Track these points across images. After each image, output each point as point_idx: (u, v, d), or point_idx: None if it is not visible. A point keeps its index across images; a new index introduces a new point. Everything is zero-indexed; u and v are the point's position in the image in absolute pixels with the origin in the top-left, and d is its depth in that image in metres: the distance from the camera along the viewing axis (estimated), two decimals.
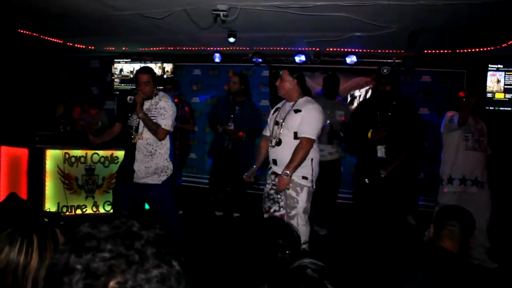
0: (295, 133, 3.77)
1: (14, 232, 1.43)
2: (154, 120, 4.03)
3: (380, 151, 4.06)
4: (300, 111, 3.79)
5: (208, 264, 4.21)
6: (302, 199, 3.75)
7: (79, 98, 7.15)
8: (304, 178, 3.76)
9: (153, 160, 4.08)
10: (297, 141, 3.74)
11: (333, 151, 5.54)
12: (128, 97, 4.10)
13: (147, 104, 4.11)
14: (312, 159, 3.79)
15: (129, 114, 4.13)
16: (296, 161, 3.66)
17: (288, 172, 3.65)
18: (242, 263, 1.78)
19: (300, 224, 3.71)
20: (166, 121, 4.06)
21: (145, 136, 4.07)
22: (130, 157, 4.12)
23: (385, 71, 4.07)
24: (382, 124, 4.11)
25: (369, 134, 4.16)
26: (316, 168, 3.83)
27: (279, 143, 3.85)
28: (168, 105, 4.13)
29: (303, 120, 3.74)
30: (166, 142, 4.17)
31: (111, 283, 0.76)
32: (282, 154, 3.82)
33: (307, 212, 3.82)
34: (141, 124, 4.05)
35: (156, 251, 0.81)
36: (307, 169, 3.77)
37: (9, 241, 1.40)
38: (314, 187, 3.82)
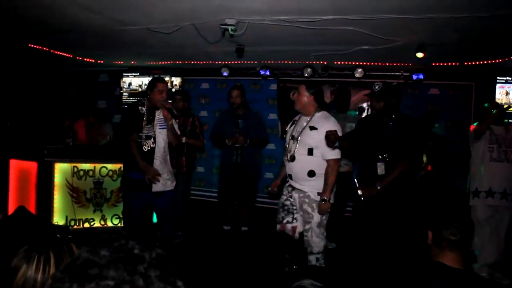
0: (309, 149, 3.81)
1: (30, 249, 1.42)
2: (164, 128, 4.35)
3: (380, 168, 3.99)
4: (316, 128, 3.80)
5: (214, 278, 4.19)
6: (316, 215, 3.81)
7: (84, 111, 7.19)
8: (319, 194, 3.79)
9: (166, 166, 4.38)
10: (311, 157, 3.80)
11: (343, 164, 5.53)
12: (140, 107, 4.30)
13: (158, 113, 4.36)
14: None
15: (144, 124, 4.28)
16: (330, 184, 3.75)
17: (325, 197, 3.73)
18: (248, 278, 1.77)
19: (314, 236, 3.82)
20: (177, 126, 4.48)
21: (161, 144, 4.33)
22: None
23: (376, 87, 4.04)
24: (382, 142, 4.02)
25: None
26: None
27: (293, 159, 3.89)
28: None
29: (323, 141, 3.69)
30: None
31: None
32: (296, 169, 3.88)
33: (323, 226, 3.87)
34: (157, 132, 4.30)
35: (160, 273, 0.79)
36: (321, 184, 3.80)
37: (27, 259, 1.40)
38: (331, 201, 3.83)
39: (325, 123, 3.79)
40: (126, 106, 8.43)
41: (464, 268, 2.06)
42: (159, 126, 4.34)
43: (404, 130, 3.95)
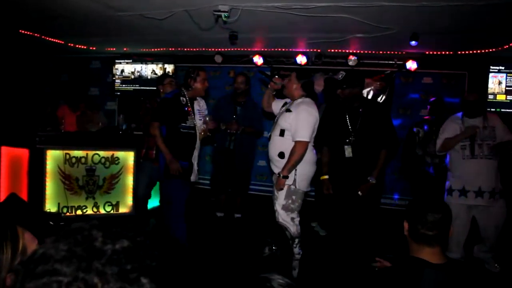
0: (281, 130, 3.91)
1: None
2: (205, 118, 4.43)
3: (347, 151, 4.18)
4: (290, 111, 3.90)
5: (207, 265, 4.21)
6: (280, 196, 3.88)
7: (75, 98, 7.16)
8: (285, 177, 3.83)
9: (196, 159, 4.46)
10: (282, 139, 3.89)
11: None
12: (181, 98, 4.32)
13: (196, 105, 4.44)
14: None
15: (188, 115, 4.33)
16: (290, 163, 3.78)
17: (282, 173, 3.79)
18: (235, 263, 1.76)
19: (280, 219, 3.86)
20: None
21: (200, 136, 4.43)
22: (189, 157, 4.38)
23: (340, 76, 4.21)
24: (352, 126, 4.21)
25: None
26: (303, 168, 3.88)
27: (269, 138, 4.06)
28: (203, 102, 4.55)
29: (294, 123, 3.83)
30: None
31: None
32: (270, 149, 4.03)
33: (290, 210, 3.90)
34: (198, 124, 4.37)
35: (119, 270, 0.73)
36: None
37: None
38: (297, 186, 3.86)
39: (300, 106, 3.89)
40: (118, 93, 8.39)
41: (446, 261, 1.96)
42: (198, 117, 4.41)
43: (376, 116, 4.15)
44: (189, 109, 4.35)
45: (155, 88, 7.99)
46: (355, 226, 4.22)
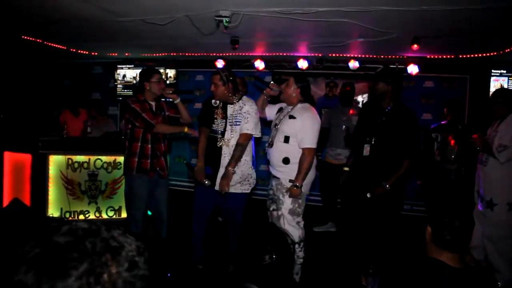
0: (286, 137, 3.88)
1: None
2: (239, 125, 3.99)
3: (366, 149, 4.06)
4: (294, 118, 3.88)
5: (206, 271, 4.23)
6: (287, 201, 3.87)
7: (76, 104, 7.16)
8: (291, 181, 3.85)
9: (239, 168, 3.98)
10: (287, 145, 3.87)
11: (342, 156, 5.68)
12: (213, 101, 4.12)
13: (230, 110, 4.06)
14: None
15: (215, 118, 4.11)
16: (302, 172, 3.77)
17: (297, 183, 3.77)
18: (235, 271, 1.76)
19: (286, 224, 3.86)
20: (249, 125, 3.97)
21: (231, 142, 4.01)
22: (214, 163, 4.06)
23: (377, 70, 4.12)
24: (375, 126, 4.05)
25: None
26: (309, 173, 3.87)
27: (271, 145, 4.00)
28: (252, 109, 4.04)
29: (300, 130, 3.82)
30: (250, 148, 4.12)
31: None
32: (273, 156, 3.98)
33: (296, 214, 3.90)
34: (228, 128, 4.03)
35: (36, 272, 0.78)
36: (295, 172, 3.84)
37: None
38: (303, 190, 3.85)
39: (303, 113, 3.87)
40: (120, 98, 8.41)
41: (464, 266, 1.99)
42: (232, 122, 4.04)
43: (400, 120, 3.93)
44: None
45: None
46: (362, 228, 4.16)
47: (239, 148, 3.91)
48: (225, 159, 4.00)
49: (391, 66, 6.94)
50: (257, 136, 4.07)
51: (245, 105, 4.04)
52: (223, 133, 4.04)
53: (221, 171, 3.98)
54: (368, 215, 4.08)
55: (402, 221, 5.77)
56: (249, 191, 4.17)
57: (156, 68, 8.01)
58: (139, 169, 4.35)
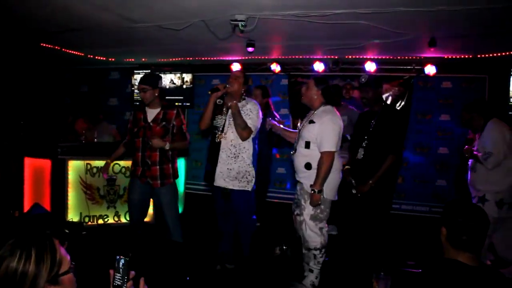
0: (307, 143, 3.88)
1: (15, 244, 1.54)
2: None
3: (360, 153, 4.33)
4: (314, 122, 3.88)
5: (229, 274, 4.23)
6: (308, 206, 3.85)
7: (93, 109, 7.19)
8: (319, 191, 3.79)
9: (236, 163, 4.08)
10: (308, 150, 3.86)
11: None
12: (218, 100, 4.12)
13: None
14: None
15: (216, 114, 4.16)
16: (321, 176, 3.73)
17: (315, 189, 3.73)
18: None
19: (308, 230, 3.87)
20: (252, 121, 4.06)
21: (229, 137, 4.09)
22: (213, 159, 4.14)
23: (362, 80, 4.35)
24: (368, 130, 4.36)
25: None
26: (330, 177, 3.81)
27: (295, 152, 4.02)
28: (255, 108, 4.14)
29: (319, 134, 3.81)
30: (250, 147, 4.15)
31: None
32: (296, 162, 3.99)
33: (318, 219, 3.87)
34: (227, 124, 4.11)
35: None
36: None
37: (10, 252, 1.52)
38: (325, 195, 3.81)
39: (323, 116, 3.85)
40: (137, 104, 8.47)
41: (479, 265, 2.00)
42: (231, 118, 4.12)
43: (387, 122, 4.22)
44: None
45: (173, 97, 8.08)
46: (356, 227, 4.35)
47: (241, 131, 4.03)
48: (222, 154, 4.09)
49: (408, 67, 6.90)
50: (253, 134, 4.13)
51: (248, 104, 4.15)
52: (222, 129, 4.11)
53: (219, 166, 4.09)
54: (359, 213, 4.29)
55: (419, 222, 5.74)
56: (249, 189, 4.17)
57: (173, 72, 8.16)
58: (133, 175, 4.46)
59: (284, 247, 4.67)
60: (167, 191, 4.41)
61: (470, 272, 1.94)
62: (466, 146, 4.52)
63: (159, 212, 4.65)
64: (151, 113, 4.35)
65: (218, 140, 4.10)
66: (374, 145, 4.25)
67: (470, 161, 4.54)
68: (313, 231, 3.85)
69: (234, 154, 4.09)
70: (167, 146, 4.26)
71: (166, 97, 8.23)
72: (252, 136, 4.13)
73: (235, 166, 4.07)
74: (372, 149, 4.25)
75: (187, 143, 4.51)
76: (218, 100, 4.11)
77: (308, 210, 3.85)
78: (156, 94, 4.35)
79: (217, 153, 4.11)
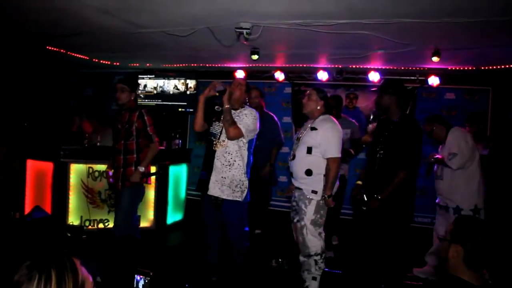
0: (308, 148, 3.90)
1: (32, 267, 1.39)
2: None
3: (377, 164, 4.01)
4: (316, 129, 3.90)
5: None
6: (309, 212, 3.88)
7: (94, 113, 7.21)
8: (314, 192, 3.86)
9: (231, 171, 3.94)
10: (309, 156, 3.89)
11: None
12: (216, 106, 4.09)
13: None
14: (324, 175, 3.89)
15: (213, 120, 4.10)
16: (330, 181, 3.82)
17: (327, 194, 3.82)
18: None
19: (309, 234, 3.90)
20: (243, 123, 3.93)
21: (226, 144, 3.96)
22: (208, 166, 4.00)
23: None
24: (383, 139, 4.01)
25: None
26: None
27: (294, 157, 4.02)
28: (252, 114, 4.01)
29: (323, 141, 3.84)
30: (245, 155, 4.04)
31: None
32: (296, 168, 3.99)
33: (318, 225, 3.91)
34: (224, 132, 3.96)
35: None
36: (317, 184, 3.87)
37: (28, 277, 1.37)
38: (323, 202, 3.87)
39: (324, 124, 3.90)
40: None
41: (482, 284, 1.94)
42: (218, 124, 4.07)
43: (401, 133, 3.86)
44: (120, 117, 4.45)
45: (176, 103, 8.10)
46: (366, 241, 4.18)
47: (228, 128, 3.88)
48: (217, 162, 3.94)
49: (411, 78, 6.90)
50: (245, 139, 3.98)
51: (245, 110, 4.07)
52: (219, 136, 4.00)
53: (213, 175, 3.94)
54: (370, 228, 4.07)
55: (421, 233, 5.70)
56: (241, 200, 4.00)
57: (177, 78, 8.19)
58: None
59: (280, 260, 4.66)
60: (126, 193, 4.45)
61: None
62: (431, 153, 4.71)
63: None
64: (123, 116, 4.49)
65: (215, 148, 3.99)
66: (388, 158, 3.92)
67: (435, 168, 4.69)
68: (314, 236, 3.89)
69: (229, 162, 3.95)
70: (141, 169, 4.42)
71: (170, 103, 8.28)
72: (244, 140, 3.98)
73: (229, 174, 3.93)
74: (388, 160, 3.91)
75: (155, 148, 4.52)
76: (216, 107, 4.07)
77: (309, 215, 3.88)
78: (132, 98, 4.48)
79: (212, 161, 3.98)
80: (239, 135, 3.91)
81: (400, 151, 3.82)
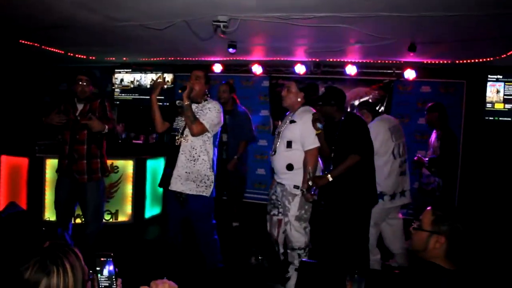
0: (288, 142, 3.88)
1: (44, 262, 1.48)
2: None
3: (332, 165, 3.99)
4: (295, 122, 3.90)
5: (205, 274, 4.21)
6: (293, 208, 3.87)
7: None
8: (296, 187, 3.84)
9: (195, 166, 3.85)
10: (290, 151, 3.87)
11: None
12: (177, 101, 3.93)
13: (193, 107, 3.88)
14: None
15: (176, 117, 4.02)
16: (307, 174, 3.73)
17: (304, 187, 3.77)
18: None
19: (293, 230, 3.88)
20: (206, 118, 3.85)
21: (189, 139, 3.86)
22: (172, 162, 3.92)
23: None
24: (334, 142, 3.97)
25: None
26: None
27: (274, 152, 4.01)
28: (215, 108, 3.94)
29: (301, 133, 3.83)
30: (210, 150, 3.95)
31: None
32: (277, 163, 3.98)
33: (303, 220, 3.89)
34: (187, 126, 3.88)
35: None
36: (299, 178, 3.83)
37: (45, 272, 1.47)
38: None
39: (303, 115, 3.87)
40: (117, 102, 8.42)
41: (456, 268, 1.97)
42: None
43: (349, 127, 3.88)
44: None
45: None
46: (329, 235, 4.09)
47: (190, 125, 3.80)
48: (182, 157, 3.86)
49: (388, 71, 6.97)
50: (209, 134, 3.90)
51: (208, 104, 3.97)
52: (182, 131, 3.91)
53: (177, 170, 3.86)
54: (332, 221, 4.00)
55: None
56: (207, 195, 3.91)
57: (154, 72, 8.13)
58: (60, 170, 4.49)
59: (260, 257, 4.64)
60: (93, 187, 4.40)
61: (450, 276, 1.93)
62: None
63: (81, 207, 4.52)
64: (80, 107, 4.45)
65: (178, 143, 3.90)
66: (341, 154, 3.86)
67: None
68: (298, 232, 3.87)
69: (193, 157, 3.87)
70: (106, 130, 4.31)
71: (147, 97, 8.20)
72: (208, 135, 3.91)
73: (194, 169, 3.85)
74: (339, 159, 3.85)
75: (114, 125, 4.54)
76: (177, 102, 3.92)
77: (293, 211, 3.85)
78: (92, 91, 4.54)
79: (176, 156, 3.89)
80: (202, 131, 3.83)
81: (350, 140, 3.80)
